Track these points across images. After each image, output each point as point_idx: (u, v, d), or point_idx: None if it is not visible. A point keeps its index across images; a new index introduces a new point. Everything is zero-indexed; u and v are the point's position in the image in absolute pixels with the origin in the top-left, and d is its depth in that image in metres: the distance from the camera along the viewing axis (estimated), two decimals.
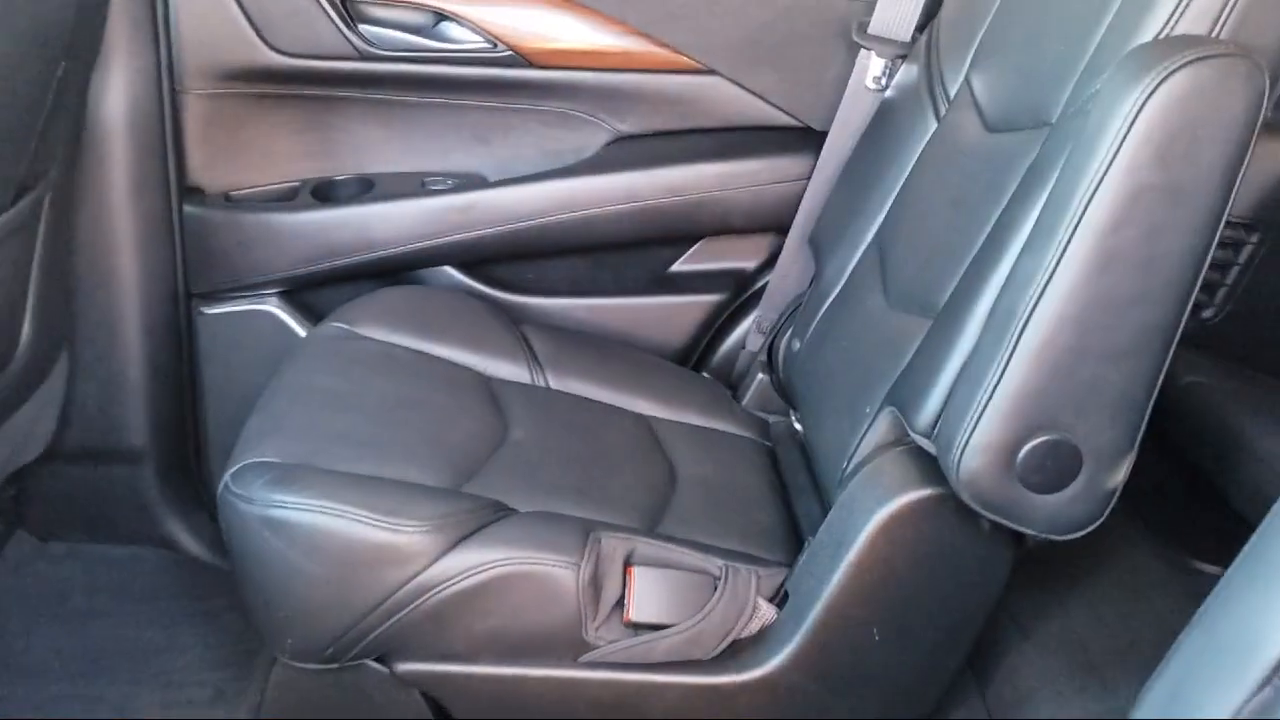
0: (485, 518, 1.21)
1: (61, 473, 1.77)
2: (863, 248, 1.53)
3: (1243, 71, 0.96)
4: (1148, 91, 0.96)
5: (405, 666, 1.22)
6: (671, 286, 1.88)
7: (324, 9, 1.68)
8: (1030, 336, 1.03)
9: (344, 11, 1.69)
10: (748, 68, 1.75)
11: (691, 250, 1.88)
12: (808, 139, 1.75)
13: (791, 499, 1.48)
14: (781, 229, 1.79)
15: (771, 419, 1.69)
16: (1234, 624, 0.68)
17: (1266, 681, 0.64)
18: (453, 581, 1.16)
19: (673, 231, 1.84)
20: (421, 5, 1.71)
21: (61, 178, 1.52)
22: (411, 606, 1.16)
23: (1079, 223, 1.00)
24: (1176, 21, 1.03)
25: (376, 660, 1.23)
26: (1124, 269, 1.00)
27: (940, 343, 1.16)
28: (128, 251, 1.67)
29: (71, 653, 1.61)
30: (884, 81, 1.65)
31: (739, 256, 1.87)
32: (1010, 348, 1.04)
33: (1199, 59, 0.96)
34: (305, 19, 1.68)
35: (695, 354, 1.89)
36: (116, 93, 1.57)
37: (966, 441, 1.06)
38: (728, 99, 1.77)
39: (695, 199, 1.79)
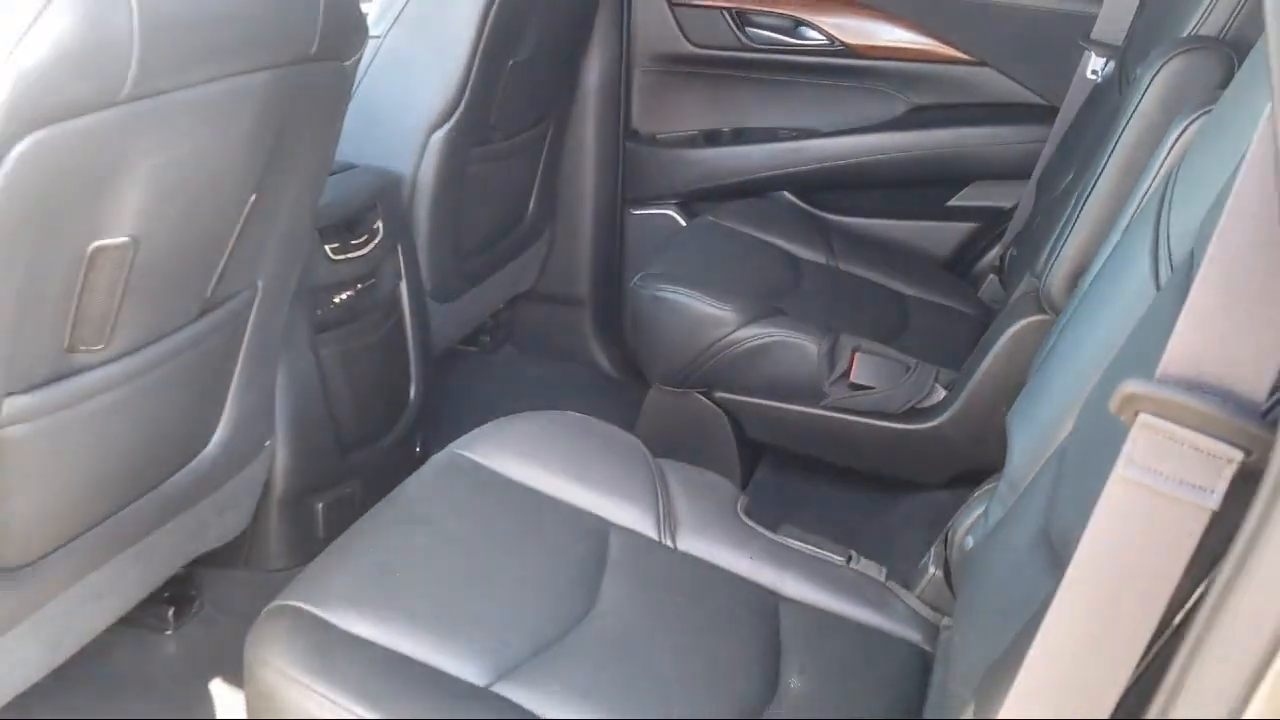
0: (771, 311, 2.07)
1: (535, 308, 2.80)
2: (1062, 185, 2.22)
3: (1215, 58, 1.63)
4: (1157, 68, 1.65)
5: (719, 394, 2.11)
6: (945, 215, 2.63)
7: (725, 18, 2.61)
8: (1084, 213, 1.74)
9: (737, 19, 2.61)
10: (1009, 61, 2.48)
11: (964, 190, 2.62)
12: (1047, 112, 2.45)
13: None
14: (1027, 177, 2.49)
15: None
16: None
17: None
18: (746, 341, 2.04)
19: (948, 174, 2.60)
20: (786, 14, 2.59)
21: (558, 120, 2.54)
22: (723, 354, 2.05)
23: (1116, 143, 1.70)
24: (1200, 24, 1.70)
25: (702, 392, 2.13)
26: (1138, 172, 1.69)
27: (1053, 222, 1.88)
28: (590, 170, 2.67)
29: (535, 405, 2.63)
30: (1099, 74, 2.32)
31: (998, 198, 2.59)
32: (1074, 219, 1.75)
33: (1189, 50, 1.64)
34: (712, 23, 2.62)
35: (959, 267, 2.63)
36: (594, 67, 2.57)
37: (1047, 274, 1.78)
38: (994, 82, 2.51)
39: (966, 152, 2.55)
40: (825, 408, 2.05)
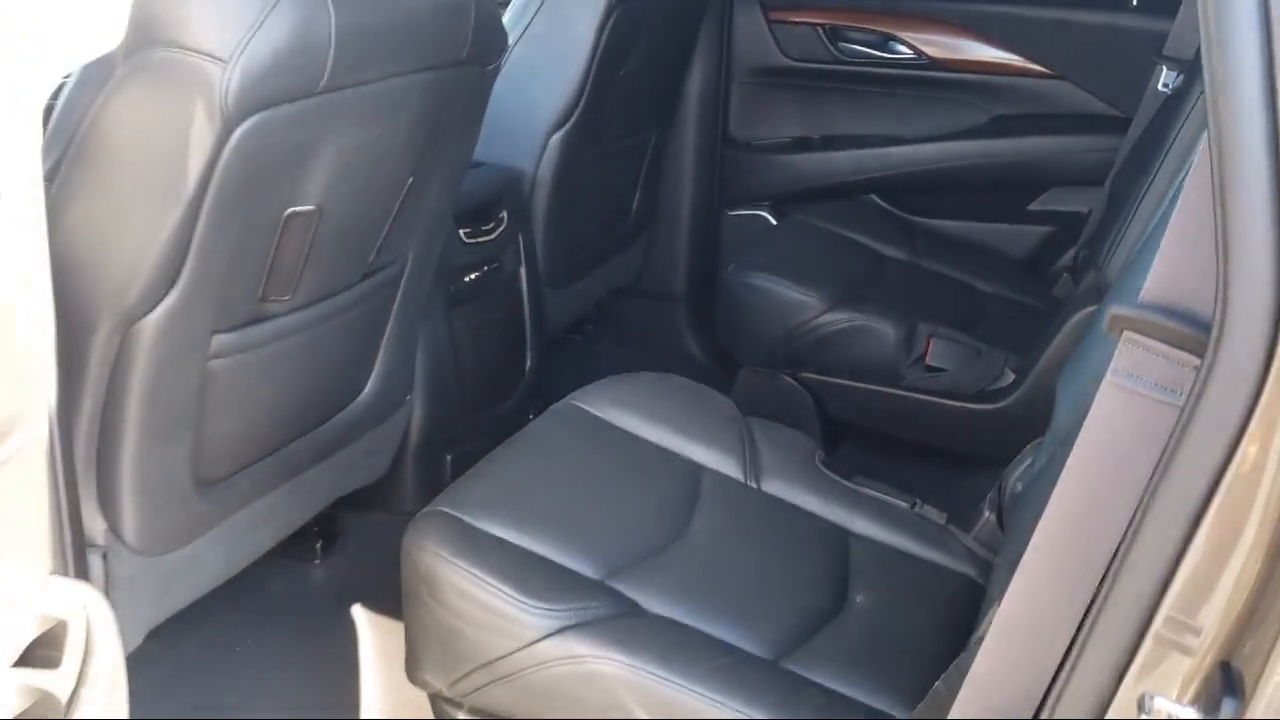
0: (853, 298, 2.27)
1: (635, 301, 3.02)
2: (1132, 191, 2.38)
3: None
4: None
5: (804, 375, 2.32)
6: (1024, 219, 2.80)
7: (819, 33, 2.82)
8: (1141, 209, 1.91)
9: (829, 34, 2.82)
10: (1086, 75, 2.65)
11: (1042, 195, 2.79)
12: (1121, 123, 2.60)
13: None
14: (1101, 183, 2.65)
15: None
16: None
17: None
18: (830, 325, 2.24)
19: (1027, 180, 2.77)
20: (876, 30, 2.79)
21: (661, 126, 2.77)
22: (808, 336, 2.26)
23: (1171, 146, 1.87)
24: None
25: (789, 373, 2.34)
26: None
27: (1116, 220, 2.05)
28: (689, 173, 2.89)
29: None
30: (1169, 86, 2.47)
31: (1074, 203, 2.75)
32: (1133, 215, 1.92)
33: None
34: (807, 38, 2.84)
35: (1036, 267, 2.80)
36: (695, 78, 2.79)
37: (1106, 265, 1.96)
38: (1071, 94, 2.68)
39: (1044, 159, 2.72)
40: (902, 388, 2.24)
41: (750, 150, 2.95)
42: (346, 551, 2.04)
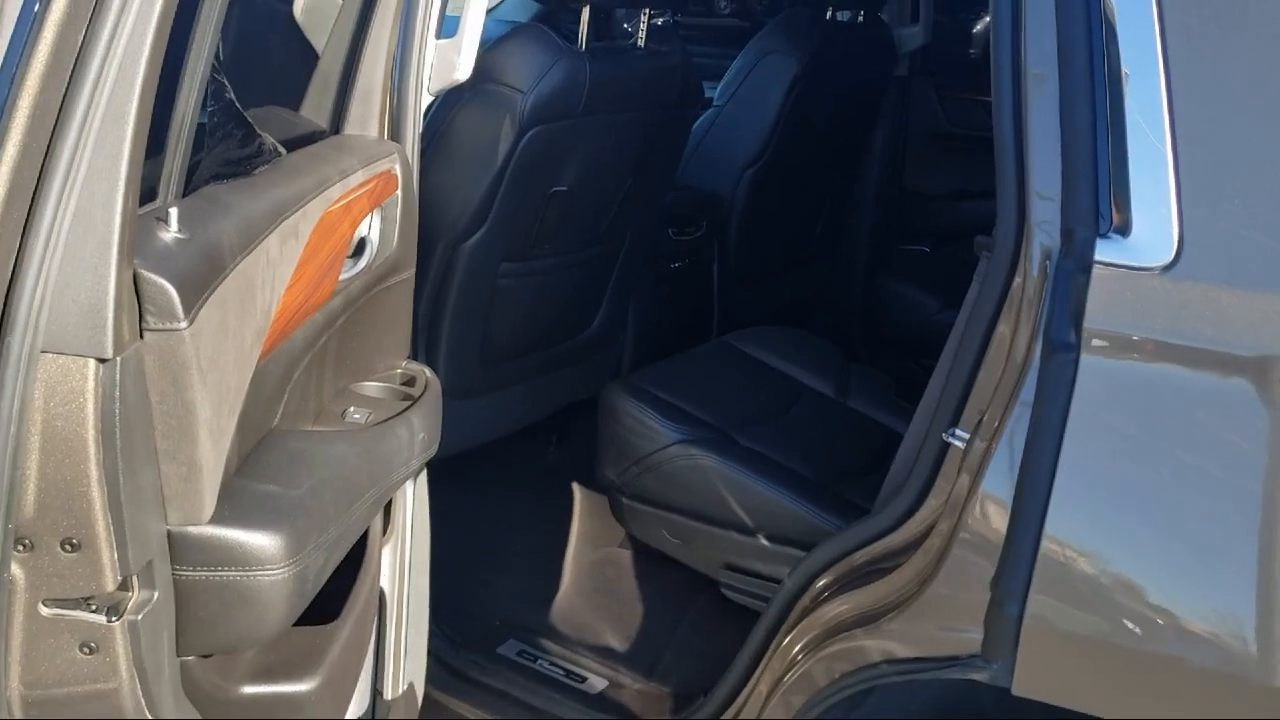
0: None
1: (817, 314, 3.77)
2: None
3: None
4: None
5: (924, 361, 3.01)
6: None
7: (981, 107, 3.53)
8: None
9: (988, 108, 3.50)
10: None
11: None
12: None
13: None
14: None
15: None
16: None
17: None
18: (944, 324, 2.93)
19: None
20: None
21: (843, 176, 3.53)
22: (927, 329, 2.96)
23: None
24: None
25: (913, 359, 3.04)
26: None
27: None
28: (867, 215, 3.63)
29: None
30: None
31: None
32: None
33: None
34: (970, 110, 3.55)
35: None
36: (878, 140, 3.55)
37: None
38: None
39: None
40: None
41: (919, 198, 3.67)
42: (573, 445, 2.90)
